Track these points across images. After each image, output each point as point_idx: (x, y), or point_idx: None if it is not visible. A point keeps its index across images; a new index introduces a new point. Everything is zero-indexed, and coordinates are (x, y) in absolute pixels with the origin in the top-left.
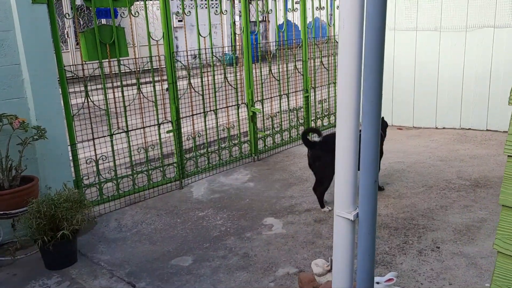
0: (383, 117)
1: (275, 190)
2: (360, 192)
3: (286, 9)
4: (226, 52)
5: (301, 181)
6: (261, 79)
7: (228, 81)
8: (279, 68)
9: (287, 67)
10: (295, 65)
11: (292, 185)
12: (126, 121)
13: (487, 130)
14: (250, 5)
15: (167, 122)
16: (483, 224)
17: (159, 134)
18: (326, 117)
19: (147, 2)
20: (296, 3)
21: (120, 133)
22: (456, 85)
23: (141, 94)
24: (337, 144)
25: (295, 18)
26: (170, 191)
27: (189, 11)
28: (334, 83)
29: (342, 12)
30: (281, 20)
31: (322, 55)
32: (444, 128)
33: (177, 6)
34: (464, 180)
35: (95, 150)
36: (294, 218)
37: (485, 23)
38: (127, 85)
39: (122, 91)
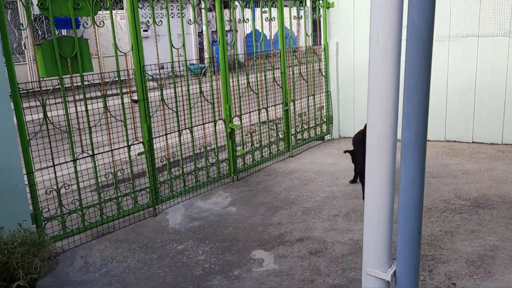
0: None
1: (261, 216)
2: (399, 246)
3: (254, 19)
4: (194, 63)
5: (288, 204)
6: (239, 93)
7: (203, 96)
8: (257, 81)
9: (265, 79)
10: (274, 77)
11: (279, 209)
12: (92, 144)
13: (473, 142)
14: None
15: (138, 142)
16: (497, 253)
17: (129, 157)
18: (306, 131)
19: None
20: (263, 12)
21: (84, 157)
22: (440, 95)
23: (108, 113)
24: (369, 184)
25: (263, 27)
26: (143, 219)
27: (160, 21)
28: (313, 95)
29: (375, 22)
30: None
31: (294, 64)
32: (429, 140)
33: (142, 16)
34: (464, 200)
35: (56, 177)
36: (286, 250)
37: (468, 32)
38: (91, 98)
39: (87, 112)
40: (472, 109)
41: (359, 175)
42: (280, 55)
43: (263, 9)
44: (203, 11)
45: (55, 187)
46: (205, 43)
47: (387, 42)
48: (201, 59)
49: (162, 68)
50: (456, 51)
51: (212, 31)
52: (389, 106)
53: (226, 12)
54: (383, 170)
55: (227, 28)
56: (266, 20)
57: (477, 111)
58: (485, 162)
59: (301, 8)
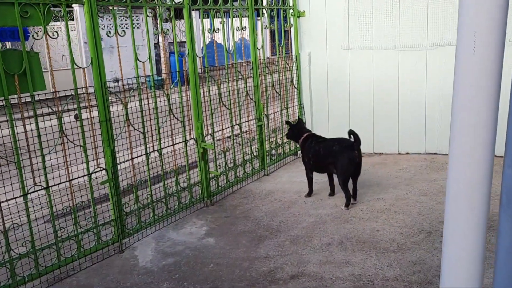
0: (354, 132)
1: (244, 248)
2: None
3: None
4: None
5: (272, 232)
6: (211, 110)
7: (173, 114)
8: (229, 95)
9: (238, 93)
10: (247, 91)
11: (263, 238)
12: (46, 175)
13: None
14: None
15: (101, 169)
16: None
17: (91, 187)
18: (280, 146)
19: (60, 23)
20: (220, 22)
21: (37, 190)
22: (419, 106)
23: (64, 138)
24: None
25: (219, 37)
26: (107, 257)
27: (123, 31)
28: (287, 108)
29: (468, 26)
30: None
31: (266, 73)
32: (408, 153)
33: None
34: None
35: (2, 216)
36: None
37: (446, 41)
38: (43, 114)
39: (39, 137)
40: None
41: (343, 182)
42: (252, 67)
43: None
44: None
45: (1, 228)
46: (162, 54)
47: (488, 54)
48: (158, 71)
49: (117, 81)
50: (434, 61)
51: (169, 42)
52: (485, 140)
53: (182, 22)
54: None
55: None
56: (237, 30)
57: None
58: None
59: (258, 18)
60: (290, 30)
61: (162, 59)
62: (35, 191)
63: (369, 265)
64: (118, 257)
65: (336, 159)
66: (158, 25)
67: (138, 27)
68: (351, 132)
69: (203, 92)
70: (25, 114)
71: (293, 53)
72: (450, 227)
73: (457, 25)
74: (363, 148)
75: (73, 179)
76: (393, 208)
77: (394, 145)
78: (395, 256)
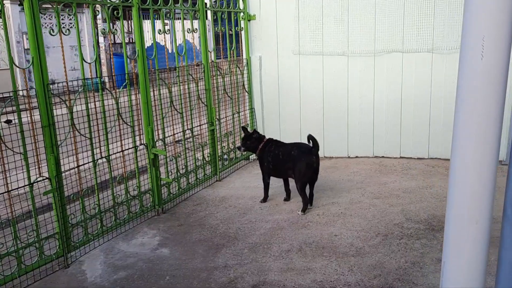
0: (313, 137)
1: (201, 258)
2: None
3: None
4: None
5: (229, 240)
6: (162, 114)
7: (122, 119)
8: (181, 99)
9: (189, 97)
10: (198, 95)
11: (220, 247)
12: None
13: (401, 157)
14: (116, 26)
15: (43, 179)
16: None
17: (32, 198)
18: (232, 151)
19: None
20: (165, 24)
21: None
22: (367, 111)
23: (2, 145)
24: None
25: (163, 39)
26: (51, 273)
27: (68, 29)
28: (238, 112)
29: (475, 30)
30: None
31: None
32: (357, 157)
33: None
34: (416, 223)
35: None
36: None
37: (393, 48)
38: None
39: None
40: (398, 124)
41: (301, 187)
42: (204, 70)
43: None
44: (99, 21)
45: None
46: (102, 55)
47: (496, 58)
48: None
49: (53, 83)
50: (382, 67)
51: (109, 44)
52: (490, 149)
53: (124, 23)
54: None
55: (126, 40)
56: (188, 32)
57: (403, 126)
58: (420, 178)
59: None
60: (241, 34)
61: (103, 61)
62: None
63: (330, 271)
64: (63, 273)
65: (295, 164)
66: (100, 26)
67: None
68: (310, 137)
69: (154, 97)
70: None
71: (244, 56)
72: (451, 237)
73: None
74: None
75: (12, 190)
76: (349, 212)
77: (344, 148)
78: (354, 261)
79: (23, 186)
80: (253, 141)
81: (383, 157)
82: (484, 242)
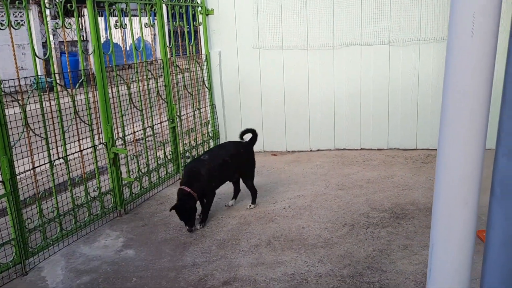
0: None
1: (168, 257)
2: None
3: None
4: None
5: (197, 237)
6: (121, 112)
7: (79, 117)
8: (140, 96)
9: (149, 94)
10: (158, 92)
11: (188, 245)
12: None
13: (361, 149)
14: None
15: None
16: None
17: None
18: (194, 148)
19: None
20: (116, 21)
21: None
22: (328, 104)
23: None
24: (437, 224)
25: (120, 36)
26: (8, 282)
27: (19, 23)
28: (199, 109)
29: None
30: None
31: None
32: (319, 150)
33: None
34: (381, 212)
35: None
36: None
37: (352, 41)
38: None
39: None
40: (358, 116)
41: (252, 181)
42: (163, 66)
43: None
44: (48, 18)
45: None
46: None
47: (486, 36)
48: (48, 72)
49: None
50: (341, 60)
51: (59, 41)
52: (479, 126)
53: (73, 20)
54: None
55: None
56: (146, 27)
57: (363, 118)
58: (381, 168)
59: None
60: (199, 29)
61: (54, 59)
62: None
63: (300, 263)
64: (21, 281)
65: (240, 163)
66: (50, 23)
67: (22, 24)
68: (248, 131)
69: (112, 94)
70: None
71: (203, 52)
72: (440, 219)
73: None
74: (277, 147)
75: None
76: (315, 204)
77: (306, 142)
78: (324, 252)
79: None
80: (189, 199)
81: (344, 149)
82: (473, 223)
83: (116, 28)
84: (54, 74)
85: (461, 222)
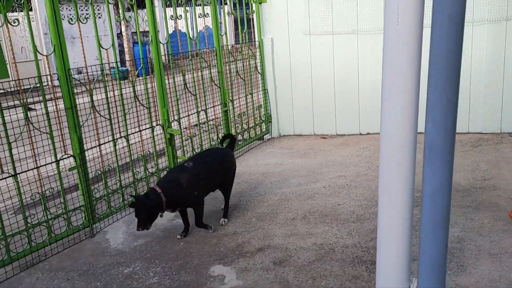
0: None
1: (212, 226)
2: (423, 261)
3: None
4: (114, 66)
5: (240, 210)
6: (176, 96)
7: (139, 100)
8: (194, 82)
9: (202, 79)
10: (211, 77)
11: (231, 217)
12: (13, 162)
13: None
14: (137, 14)
15: (68, 156)
16: (464, 245)
17: (59, 173)
18: (246, 131)
19: (18, 13)
20: (183, 11)
21: (5, 178)
22: (378, 88)
23: (30, 125)
24: (383, 190)
25: (182, 26)
26: (78, 242)
27: (86, 18)
28: (251, 93)
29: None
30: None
31: (230, 61)
32: (368, 133)
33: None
34: (417, 192)
35: None
36: (248, 263)
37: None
38: (8, 108)
39: (4, 125)
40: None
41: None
42: (216, 53)
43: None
44: (122, 10)
45: None
46: (125, 44)
47: (410, 23)
48: (121, 61)
49: (80, 73)
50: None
51: (132, 32)
52: (410, 100)
53: (145, 12)
54: (402, 173)
55: (147, 28)
56: (200, 17)
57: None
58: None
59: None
60: (253, 17)
61: (126, 49)
62: (2, 179)
63: (330, 235)
64: (89, 241)
65: (226, 170)
66: (120, 13)
67: (99, 17)
68: (227, 137)
69: (168, 80)
70: None
71: (256, 39)
72: (382, 197)
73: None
74: (327, 130)
75: (40, 166)
76: (354, 184)
77: (355, 126)
78: (354, 226)
79: (50, 163)
80: (150, 200)
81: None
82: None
83: (172, 19)
84: (116, 61)
85: (395, 176)
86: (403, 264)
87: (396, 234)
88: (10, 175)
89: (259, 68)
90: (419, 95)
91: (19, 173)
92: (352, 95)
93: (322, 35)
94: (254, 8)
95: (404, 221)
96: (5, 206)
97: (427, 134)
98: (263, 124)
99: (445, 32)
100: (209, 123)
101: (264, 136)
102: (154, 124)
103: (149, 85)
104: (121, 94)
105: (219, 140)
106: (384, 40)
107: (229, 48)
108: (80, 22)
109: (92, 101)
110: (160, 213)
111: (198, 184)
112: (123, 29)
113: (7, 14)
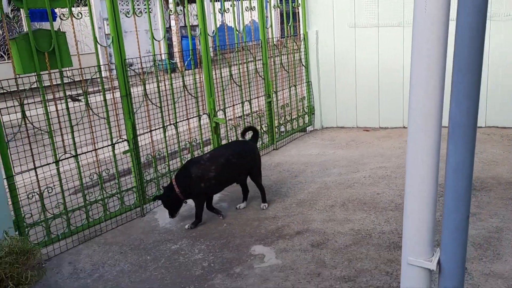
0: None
1: (254, 210)
2: (445, 232)
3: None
4: (164, 58)
5: (280, 196)
6: (222, 86)
7: (187, 90)
8: (239, 73)
9: (247, 70)
10: (256, 69)
11: (272, 202)
12: (74, 144)
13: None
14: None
15: (123, 140)
16: (502, 235)
17: (114, 156)
18: (289, 123)
19: (76, 8)
20: (230, 5)
21: (67, 158)
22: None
23: (90, 111)
24: (410, 166)
25: (229, 20)
26: (130, 220)
27: (141, 12)
28: (295, 85)
29: None
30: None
31: (275, 55)
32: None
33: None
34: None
35: (38, 181)
36: (287, 244)
37: (452, 16)
38: (71, 96)
39: (68, 110)
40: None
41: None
42: (261, 46)
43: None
44: (171, 5)
45: (37, 191)
46: (174, 38)
47: (437, 10)
48: (170, 54)
49: (131, 65)
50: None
51: (181, 26)
52: (435, 83)
53: (194, 6)
54: (427, 148)
55: (195, 23)
56: (246, 10)
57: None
58: None
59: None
60: (298, 10)
61: (175, 43)
62: (65, 158)
63: (368, 222)
64: (140, 220)
65: (246, 163)
66: (171, 7)
67: (151, 12)
68: (249, 129)
69: (215, 72)
70: (57, 95)
71: (301, 32)
72: (410, 184)
73: None
74: (370, 123)
75: (98, 149)
76: (394, 174)
77: (399, 119)
78: (392, 214)
79: (107, 146)
80: (169, 191)
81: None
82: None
83: (220, 13)
84: (168, 53)
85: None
86: (428, 234)
87: (421, 206)
88: (71, 155)
89: (303, 60)
90: (444, 79)
91: (79, 154)
92: (396, 88)
93: (367, 28)
94: (299, 1)
95: (429, 191)
96: (67, 185)
97: (451, 113)
98: (306, 116)
99: (469, 21)
100: (252, 113)
101: (307, 128)
102: (201, 113)
103: (197, 76)
104: (171, 84)
105: (262, 131)
106: (413, 29)
107: (274, 41)
108: (135, 16)
109: (145, 89)
110: (183, 202)
111: (208, 177)
112: (173, 23)
113: (73, 5)
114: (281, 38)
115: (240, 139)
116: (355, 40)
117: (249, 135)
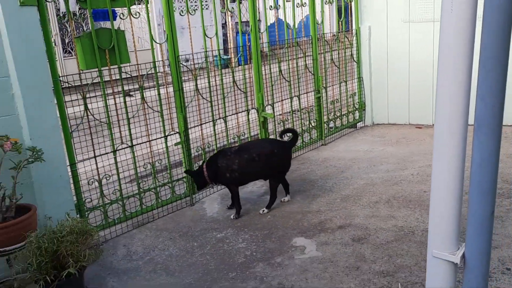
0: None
1: (298, 204)
2: (470, 226)
3: (277, 6)
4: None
5: (325, 191)
6: (271, 82)
7: (237, 85)
8: (289, 68)
9: (297, 66)
10: (305, 65)
11: (316, 197)
12: (130, 135)
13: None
14: (240, 5)
15: (174, 133)
16: None
17: (167, 147)
18: (338, 118)
19: (136, 6)
20: (287, 0)
21: (124, 148)
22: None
23: (145, 104)
24: (436, 161)
25: (284, 16)
26: (180, 209)
27: (194, 10)
28: (346, 81)
29: None
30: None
31: (325, 51)
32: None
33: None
34: (510, 184)
35: (97, 169)
36: (328, 238)
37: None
38: (129, 90)
39: (125, 103)
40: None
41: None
42: (311, 42)
43: None
44: (227, 1)
45: (97, 178)
46: (229, 34)
47: (464, 10)
48: (224, 50)
49: (187, 61)
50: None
51: (235, 22)
52: (462, 81)
53: (245, 2)
54: (454, 144)
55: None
56: (297, 6)
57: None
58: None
59: None
60: (351, 5)
61: (230, 39)
62: (122, 149)
63: (411, 219)
64: (189, 209)
65: (272, 163)
66: (225, 4)
67: (206, 8)
68: (288, 131)
69: (264, 67)
70: (114, 90)
71: (354, 27)
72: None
73: None
74: (423, 120)
75: (151, 140)
76: None
77: None
78: None
79: (160, 138)
80: (198, 173)
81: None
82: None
83: (270, 10)
84: (218, 49)
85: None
86: (452, 228)
87: (446, 199)
88: (128, 146)
89: (355, 56)
90: (471, 74)
91: (134, 145)
92: None
93: (422, 23)
94: None
95: (455, 186)
96: (124, 174)
97: (477, 108)
98: (357, 112)
99: (495, 20)
100: (301, 108)
101: (357, 124)
102: (249, 108)
103: (246, 72)
104: (222, 79)
105: (310, 126)
106: (440, 28)
107: (326, 36)
108: (189, 14)
109: (196, 85)
110: (209, 184)
111: (232, 168)
112: (228, 19)
113: (132, 5)
114: (333, 34)
115: (278, 138)
116: (409, 36)
117: (288, 137)
